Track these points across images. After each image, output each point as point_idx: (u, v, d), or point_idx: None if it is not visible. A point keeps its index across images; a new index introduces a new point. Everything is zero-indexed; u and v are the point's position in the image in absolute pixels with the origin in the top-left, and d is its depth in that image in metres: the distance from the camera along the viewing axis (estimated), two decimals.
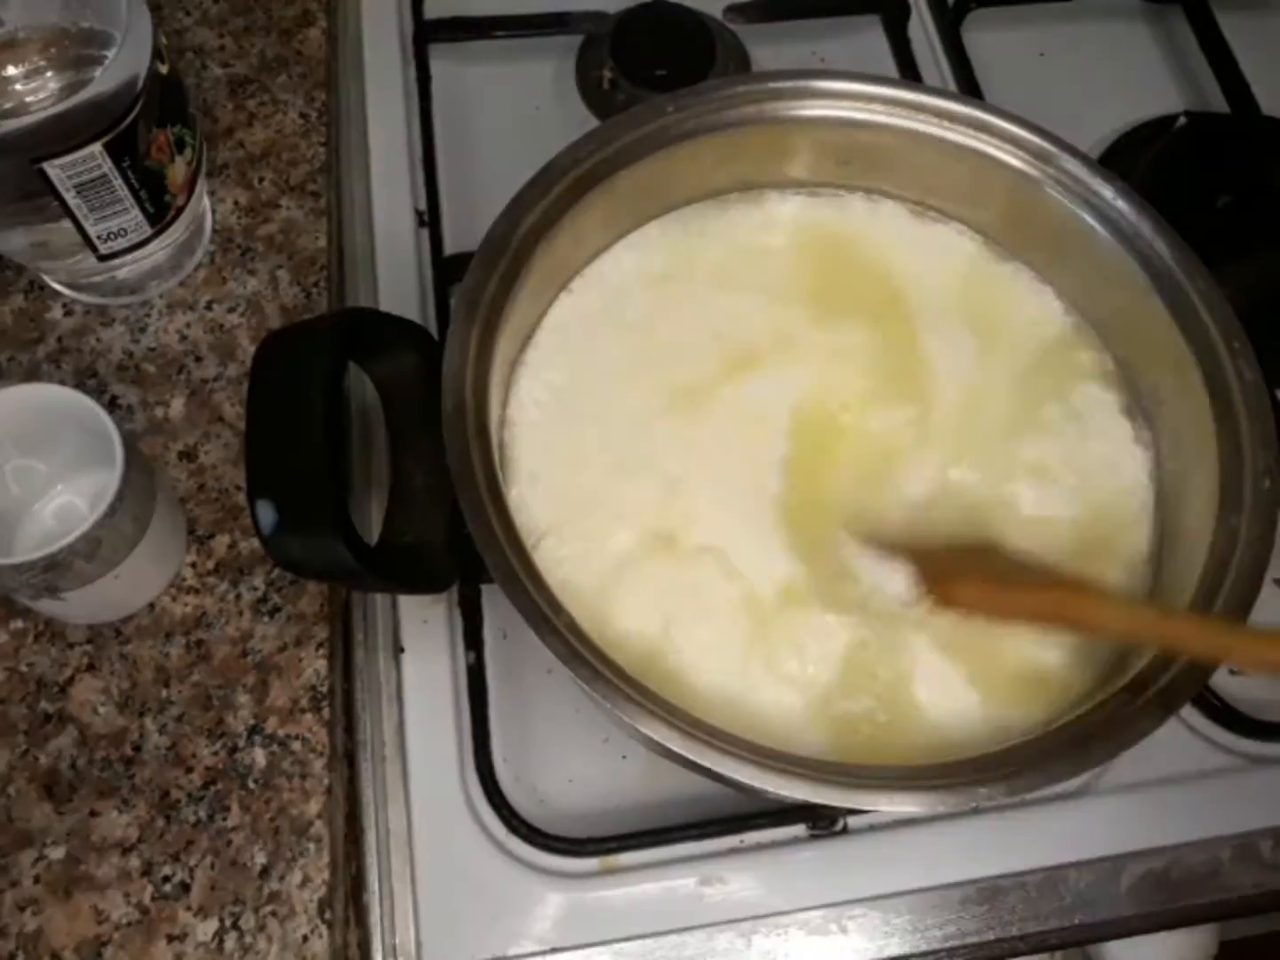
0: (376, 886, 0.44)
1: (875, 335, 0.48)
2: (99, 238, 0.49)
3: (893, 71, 0.65)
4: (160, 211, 0.50)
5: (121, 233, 0.49)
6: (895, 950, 0.45)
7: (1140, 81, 0.67)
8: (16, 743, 0.44)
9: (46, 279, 0.53)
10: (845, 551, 0.43)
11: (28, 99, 0.47)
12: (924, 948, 0.45)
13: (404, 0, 0.64)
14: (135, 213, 0.49)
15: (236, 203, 0.57)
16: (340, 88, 0.62)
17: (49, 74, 0.47)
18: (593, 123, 0.62)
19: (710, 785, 0.38)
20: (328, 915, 0.43)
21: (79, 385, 0.51)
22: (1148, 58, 0.69)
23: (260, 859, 0.43)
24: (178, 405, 0.51)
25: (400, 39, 0.63)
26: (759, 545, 0.43)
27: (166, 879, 0.43)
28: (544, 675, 0.48)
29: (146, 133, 0.47)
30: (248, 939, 0.42)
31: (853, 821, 0.46)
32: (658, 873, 0.45)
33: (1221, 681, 0.50)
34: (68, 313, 0.53)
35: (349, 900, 0.45)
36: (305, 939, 0.42)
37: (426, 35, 0.63)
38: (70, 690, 0.46)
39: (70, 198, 0.46)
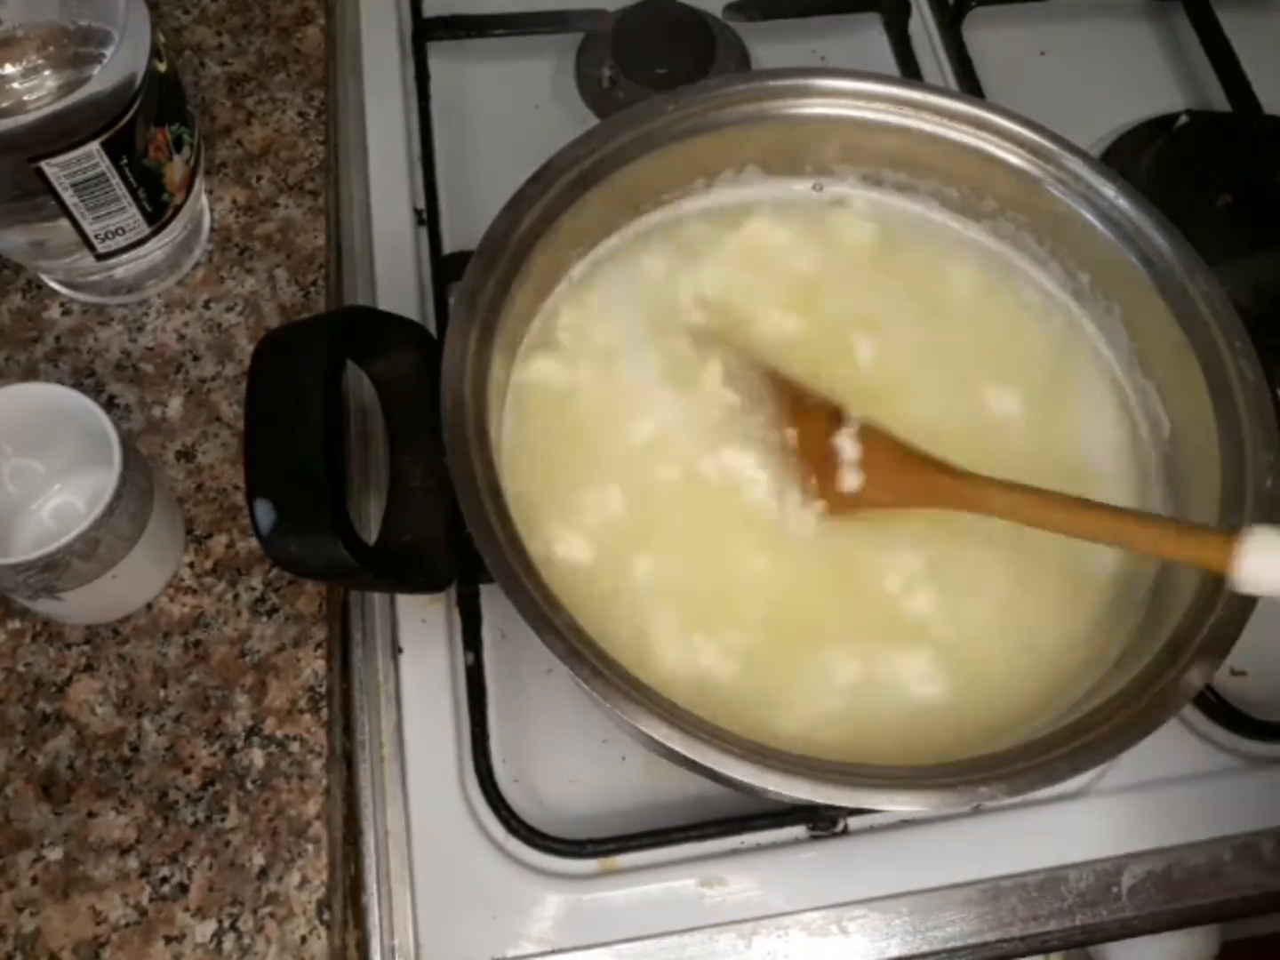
0: (375, 887, 0.44)
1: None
2: (97, 237, 0.49)
3: (893, 70, 0.65)
4: (158, 210, 0.50)
5: (119, 231, 0.49)
6: (896, 951, 0.45)
7: (1141, 80, 0.67)
8: (14, 743, 0.44)
9: (44, 278, 0.53)
10: None
11: (25, 97, 0.47)
12: (925, 949, 0.45)
13: None
14: (133, 211, 0.49)
15: (234, 201, 0.56)
16: (339, 86, 0.62)
17: (47, 72, 0.47)
18: (592, 121, 0.62)
19: (710, 786, 0.38)
20: (326, 916, 0.43)
21: (77, 384, 0.51)
22: (1149, 56, 0.69)
23: (258, 860, 0.43)
24: (175, 405, 0.51)
25: (399, 37, 0.63)
26: None
27: (164, 880, 0.43)
28: (543, 675, 0.48)
29: (144, 131, 0.47)
30: (246, 940, 0.42)
31: (853, 822, 0.46)
32: (658, 874, 0.45)
33: (1223, 682, 0.50)
34: (65, 312, 0.53)
35: (347, 901, 0.45)
36: (304, 940, 0.42)
37: (425, 33, 0.63)
38: (68, 690, 0.45)
39: (68, 196, 0.46)
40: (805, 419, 0.45)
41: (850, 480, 0.43)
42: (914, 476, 0.42)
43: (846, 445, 0.44)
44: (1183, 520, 0.39)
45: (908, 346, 0.48)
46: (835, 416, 0.44)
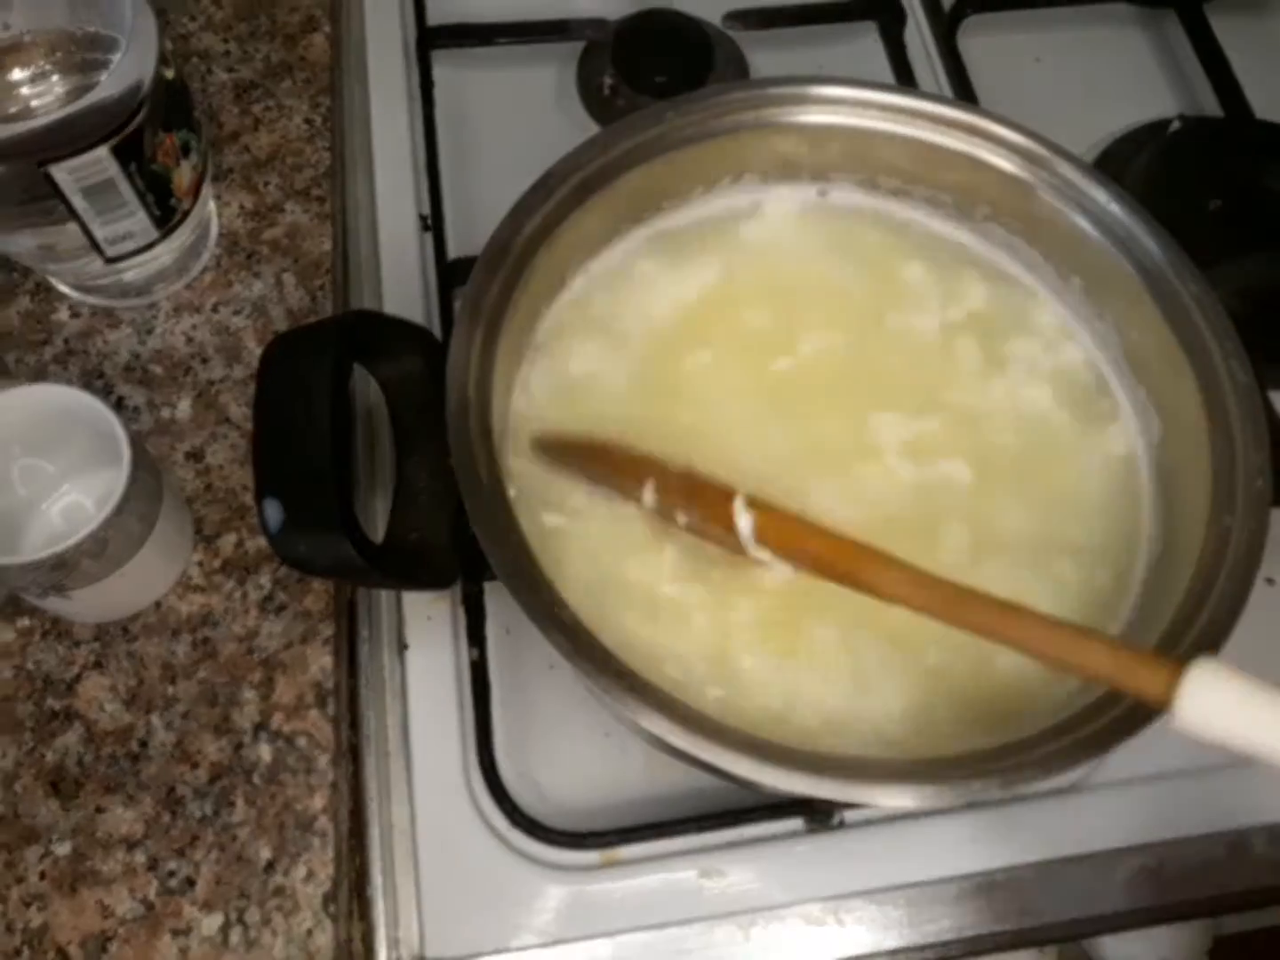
0: (380, 880, 0.45)
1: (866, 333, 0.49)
2: (105, 241, 0.49)
3: (889, 78, 0.65)
4: (166, 215, 0.50)
5: (128, 236, 0.50)
6: (892, 943, 0.45)
7: (1134, 86, 0.68)
8: (24, 740, 0.45)
9: (53, 281, 0.54)
10: None
11: (33, 102, 0.47)
12: (920, 941, 0.45)
13: (407, 6, 0.65)
14: (141, 216, 0.49)
15: (242, 206, 0.57)
16: (344, 93, 0.62)
17: (54, 78, 0.48)
18: (594, 128, 0.62)
19: (709, 779, 0.38)
20: (332, 909, 0.43)
21: (86, 386, 0.51)
22: (1141, 62, 0.69)
23: (265, 854, 0.44)
24: (184, 406, 0.52)
25: (403, 45, 0.63)
26: None
27: (172, 874, 0.43)
28: (546, 671, 0.49)
29: (152, 137, 0.47)
30: (252, 933, 0.43)
31: (849, 816, 0.47)
32: (658, 865, 0.45)
33: None
34: (74, 315, 0.54)
35: (353, 894, 0.45)
36: (309, 933, 0.43)
37: (429, 41, 0.63)
38: (77, 687, 0.46)
39: (76, 201, 0.46)
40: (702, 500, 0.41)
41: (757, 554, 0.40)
42: (808, 550, 0.39)
43: (742, 519, 0.40)
44: (1124, 643, 0.36)
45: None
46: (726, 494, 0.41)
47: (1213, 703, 0.32)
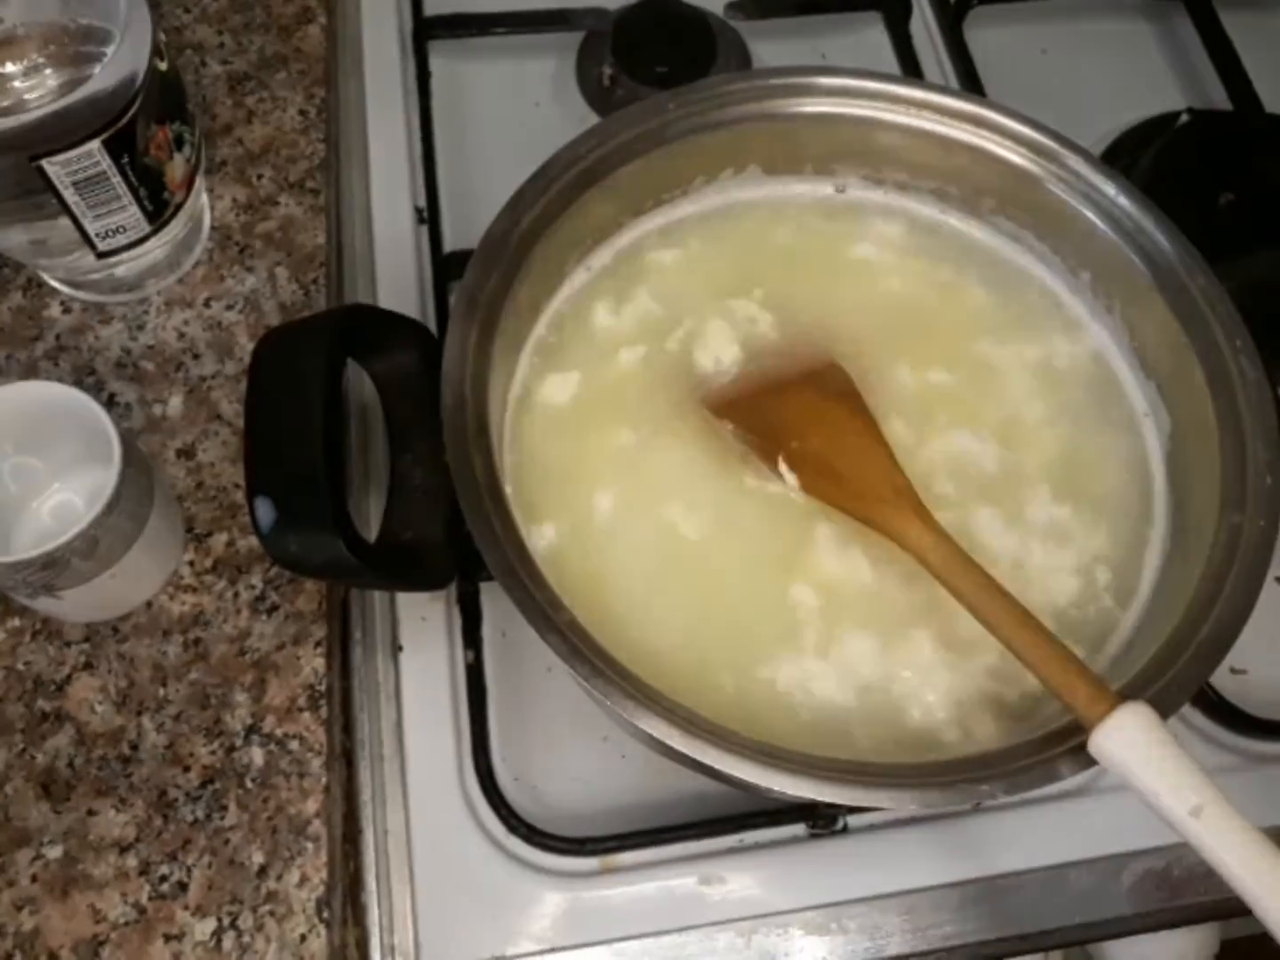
0: (375, 886, 0.44)
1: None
2: (97, 235, 0.49)
3: (894, 68, 0.65)
4: (159, 209, 0.50)
5: (120, 230, 0.49)
6: (895, 949, 0.45)
7: (1143, 78, 0.67)
8: (14, 741, 0.44)
9: (45, 276, 0.53)
10: None
11: (26, 96, 0.47)
12: (924, 947, 0.45)
13: None
14: (134, 210, 0.49)
15: (235, 200, 0.57)
16: (340, 85, 0.62)
17: (48, 71, 0.47)
18: (593, 119, 0.62)
19: (709, 784, 0.38)
20: (325, 915, 0.43)
21: (77, 383, 0.51)
22: (1150, 55, 0.69)
23: (258, 858, 0.43)
24: (176, 403, 0.51)
25: (400, 35, 0.63)
26: None
27: (164, 878, 0.43)
28: (543, 673, 0.48)
29: (145, 130, 0.47)
30: (245, 938, 0.42)
31: (852, 820, 0.46)
32: (657, 872, 0.45)
33: (1223, 680, 0.50)
34: (66, 310, 0.53)
35: (347, 900, 0.45)
36: (303, 938, 0.42)
37: (426, 32, 0.63)
38: (68, 689, 0.45)
39: (68, 195, 0.46)
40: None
41: (789, 479, 0.43)
42: (834, 481, 0.43)
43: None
44: (1075, 661, 0.37)
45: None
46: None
47: (1127, 741, 0.34)
